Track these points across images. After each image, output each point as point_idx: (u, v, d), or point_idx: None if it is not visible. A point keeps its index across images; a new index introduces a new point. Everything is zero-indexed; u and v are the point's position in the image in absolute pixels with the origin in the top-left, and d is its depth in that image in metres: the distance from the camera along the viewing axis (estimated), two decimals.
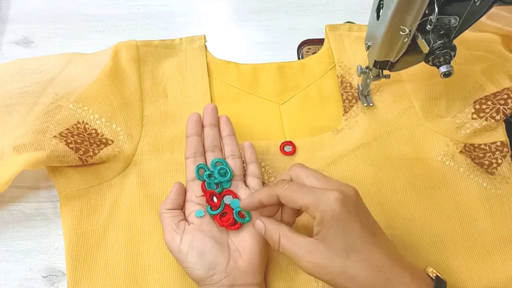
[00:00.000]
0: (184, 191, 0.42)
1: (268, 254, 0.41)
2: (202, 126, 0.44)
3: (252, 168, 0.43)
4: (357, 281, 0.32)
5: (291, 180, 0.36)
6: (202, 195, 0.41)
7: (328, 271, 0.32)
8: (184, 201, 0.41)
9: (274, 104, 0.52)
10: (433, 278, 0.34)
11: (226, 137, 0.44)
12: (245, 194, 0.41)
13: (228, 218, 0.39)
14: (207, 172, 0.41)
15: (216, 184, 0.41)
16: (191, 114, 0.44)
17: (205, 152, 0.43)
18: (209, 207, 0.40)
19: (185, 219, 0.40)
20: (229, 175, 0.41)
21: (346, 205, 0.32)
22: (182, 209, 0.41)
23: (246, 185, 0.42)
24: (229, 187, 0.41)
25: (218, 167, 0.41)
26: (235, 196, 0.41)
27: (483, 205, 0.45)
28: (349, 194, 0.34)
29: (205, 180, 0.41)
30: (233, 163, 0.42)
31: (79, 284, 0.40)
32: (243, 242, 0.39)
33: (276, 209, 0.37)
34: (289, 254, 0.34)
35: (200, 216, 0.40)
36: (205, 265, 0.37)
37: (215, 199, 0.40)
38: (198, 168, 0.42)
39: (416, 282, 0.32)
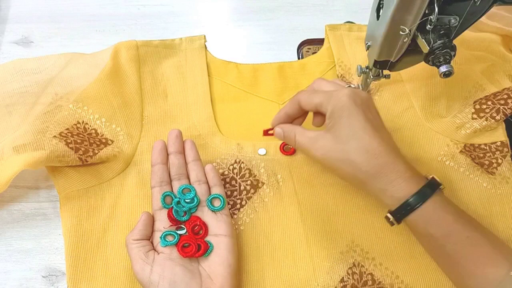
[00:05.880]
0: (152, 221, 0.41)
1: (240, 278, 0.41)
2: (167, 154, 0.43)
3: (216, 191, 0.42)
4: (355, 164, 0.36)
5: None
6: (170, 225, 0.40)
7: (332, 155, 0.37)
8: (152, 231, 0.40)
9: (274, 104, 0.52)
10: (428, 178, 0.37)
11: (191, 162, 0.43)
12: (212, 218, 0.41)
13: (191, 249, 0.38)
14: (176, 199, 0.41)
15: (184, 212, 0.41)
16: (155, 142, 0.43)
17: (171, 180, 0.43)
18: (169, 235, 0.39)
19: (154, 249, 0.39)
20: (196, 201, 0.41)
21: (354, 99, 0.37)
22: (149, 239, 0.40)
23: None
24: (195, 212, 0.41)
25: (186, 194, 0.41)
26: (201, 223, 0.40)
27: (483, 205, 0.45)
28: (360, 93, 0.38)
29: (172, 208, 0.40)
30: (199, 189, 0.42)
31: (79, 284, 0.40)
32: (214, 267, 0.38)
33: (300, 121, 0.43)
34: (302, 146, 0.39)
35: (166, 246, 0.39)
36: None
37: (182, 228, 0.40)
38: (164, 196, 0.41)
39: (410, 172, 0.36)
